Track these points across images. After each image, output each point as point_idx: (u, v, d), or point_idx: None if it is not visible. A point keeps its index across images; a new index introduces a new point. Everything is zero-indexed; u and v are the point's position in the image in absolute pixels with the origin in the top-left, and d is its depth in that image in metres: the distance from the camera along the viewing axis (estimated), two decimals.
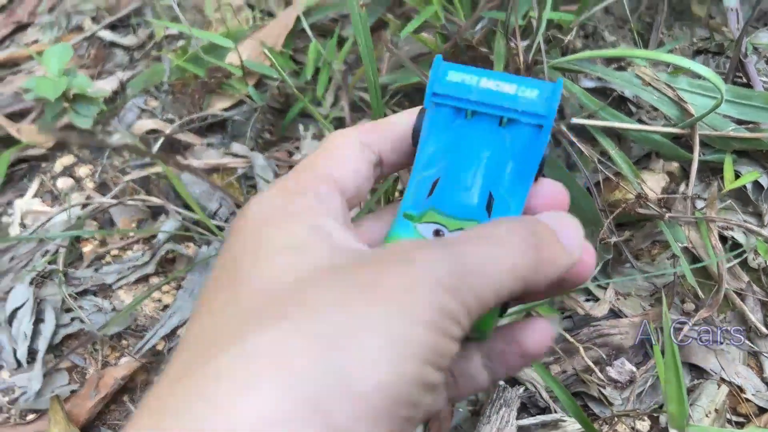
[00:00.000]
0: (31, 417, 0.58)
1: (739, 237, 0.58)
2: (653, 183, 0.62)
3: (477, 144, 0.32)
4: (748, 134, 0.58)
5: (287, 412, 0.19)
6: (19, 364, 0.61)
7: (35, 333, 0.61)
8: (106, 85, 0.88)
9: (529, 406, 0.52)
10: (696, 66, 0.54)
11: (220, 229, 0.64)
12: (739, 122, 0.60)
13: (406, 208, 0.32)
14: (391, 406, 0.21)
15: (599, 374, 0.53)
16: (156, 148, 0.73)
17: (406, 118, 0.32)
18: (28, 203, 0.74)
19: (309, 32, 0.74)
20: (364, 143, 0.31)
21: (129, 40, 0.97)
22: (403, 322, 0.22)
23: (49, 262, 0.65)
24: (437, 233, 0.31)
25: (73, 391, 0.59)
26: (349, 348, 0.21)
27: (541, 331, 0.30)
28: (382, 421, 0.21)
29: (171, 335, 0.60)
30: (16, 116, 0.89)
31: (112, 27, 1.01)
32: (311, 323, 0.21)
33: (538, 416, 0.51)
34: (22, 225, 0.71)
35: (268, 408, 0.19)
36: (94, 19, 1.04)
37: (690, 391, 0.51)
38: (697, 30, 0.73)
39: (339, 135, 0.31)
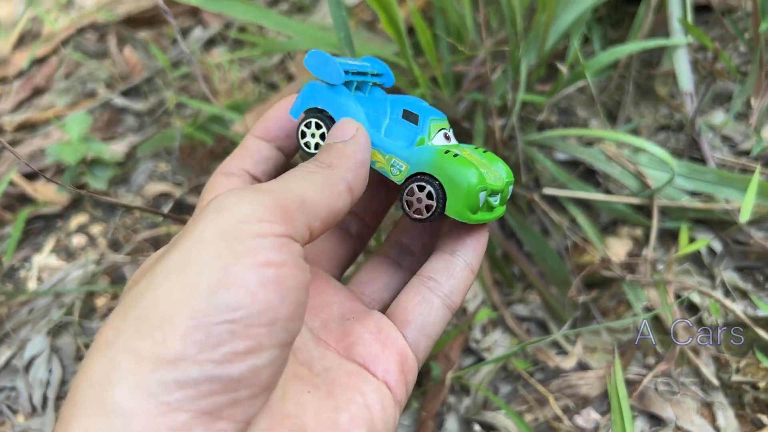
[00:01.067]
0: None
1: (695, 298, 0.64)
2: (618, 247, 0.68)
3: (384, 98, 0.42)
4: (700, 205, 0.65)
5: None
6: (34, 409, 0.66)
7: (50, 380, 0.67)
8: (118, 148, 0.95)
9: None
10: (650, 146, 0.62)
11: None
12: (695, 194, 0.67)
13: (415, 140, 0.40)
14: None
15: (567, 422, 0.58)
16: (167, 209, 0.79)
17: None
18: (44, 259, 0.80)
19: None
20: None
21: (140, 105, 1.05)
22: None
23: (66, 314, 0.71)
24: (446, 136, 0.40)
25: None
26: None
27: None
28: None
29: None
30: (33, 176, 0.96)
31: (124, 93, 1.08)
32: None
33: None
34: (39, 279, 0.77)
35: None
36: (108, 86, 1.11)
37: None
38: (660, 108, 0.81)
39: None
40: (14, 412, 0.66)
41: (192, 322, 0.26)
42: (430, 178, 0.38)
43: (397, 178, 0.39)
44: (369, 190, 0.45)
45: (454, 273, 0.39)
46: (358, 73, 0.41)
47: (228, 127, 0.85)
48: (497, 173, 0.39)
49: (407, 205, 0.38)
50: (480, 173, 0.37)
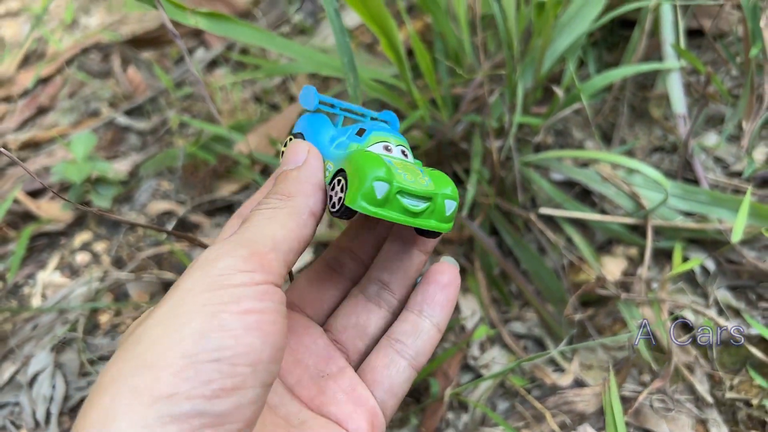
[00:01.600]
0: None
1: (689, 316, 0.65)
2: (613, 266, 0.70)
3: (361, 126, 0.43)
4: (693, 225, 0.66)
5: None
6: (37, 424, 0.66)
7: (54, 395, 0.67)
8: (121, 167, 0.97)
9: None
10: (644, 168, 0.63)
11: None
12: (688, 214, 0.69)
13: (350, 143, 0.41)
14: None
15: None
16: (171, 227, 0.80)
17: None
18: (49, 276, 0.81)
19: None
20: None
21: (143, 125, 1.07)
22: None
23: (70, 331, 0.72)
24: (387, 148, 0.41)
25: None
26: None
27: (447, 268, 0.43)
28: None
29: None
30: (37, 194, 0.97)
31: (128, 112, 1.10)
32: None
33: None
34: (43, 296, 0.78)
35: None
36: (112, 105, 1.13)
37: None
38: (654, 130, 0.83)
39: None
40: (18, 427, 0.67)
41: (183, 360, 0.29)
42: (344, 173, 0.39)
43: (327, 179, 0.40)
44: (365, 227, 0.46)
45: (420, 335, 0.42)
46: (349, 111, 0.44)
47: (231, 146, 0.87)
48: (424, 181, 0.39)
49: (329, 199, 0.39)
50: (382, 166, 0.37)
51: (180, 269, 0.77)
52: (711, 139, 0.78)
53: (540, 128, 0.71)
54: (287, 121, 0.88)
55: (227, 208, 0.85)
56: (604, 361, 0.64)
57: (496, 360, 0.65)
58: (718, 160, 0.77)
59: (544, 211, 0.67)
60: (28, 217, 0.92)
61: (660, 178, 0.63)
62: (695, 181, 0.73)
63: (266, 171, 0.86)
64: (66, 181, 0.90)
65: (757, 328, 0.62)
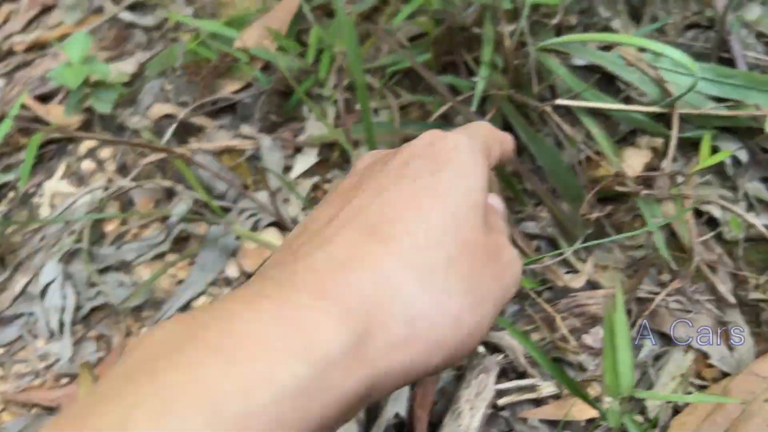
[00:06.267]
0: (64, 381, 0.65)
1: (716, 212, 0.61)
2: (635, 160, 0.65)
3: None
4: (725, 112, 0.60)
5: None
6: (51, 333, 0.67)
7: (65, 305, 0.68)
8: (126, 67, 0.93)
9: (508, 372, 0.57)
10: (669, 50, 0.57)
11: (225, 210, 0.70)
12: (721, 100, 0.62)
13: None
14: None
15: (574, 342, 0.57)
16: (170, 132, 0.78)
17: None
18: (56, 185, 0.80)
19: (310, 17, 0.78)
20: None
21: (147, 20, 1.02)
22: None
23: (75, 241, 0.72)
24: None
25: (100, 358, 0.66)
26: None
27: None
28: None
29: (185, 308, 0.66)
30: (44, 98, 0.95)
31: (132, 8, 1.05)
32: None
33: (515, 381, 0.56)
34: (51, 206, 0.78)
35: None
36: (114, 1, 1.08)
37: (658, 357, 0.55)
38: (690, 3, 0.74)
39: None
40: (35, 336, 0.68)
41: None
42: None
43: None
44: None
45: None
46: None
47: (231, 42, 0.82)
48: None
49: None
50: None
51: (179, 177, 0.75)
52: (754, 11, 0.70)
53: (558, 8, 0.64)
54: (288, 12, 0.82)
55: (230, 108, 0.81)
56: (620, 261, 0.61)
57: None
58: (760, 36, 0.69)
59: (561, 102, 0.62)
60: (38, 121, 0.90)
61: (687, 60, 0.57)
62: (732, 62, 0.66)
63: (268, 67, 0.81)
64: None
65: None
